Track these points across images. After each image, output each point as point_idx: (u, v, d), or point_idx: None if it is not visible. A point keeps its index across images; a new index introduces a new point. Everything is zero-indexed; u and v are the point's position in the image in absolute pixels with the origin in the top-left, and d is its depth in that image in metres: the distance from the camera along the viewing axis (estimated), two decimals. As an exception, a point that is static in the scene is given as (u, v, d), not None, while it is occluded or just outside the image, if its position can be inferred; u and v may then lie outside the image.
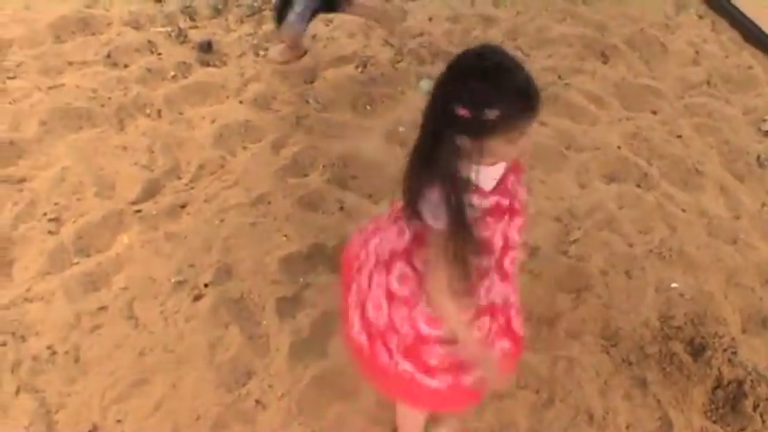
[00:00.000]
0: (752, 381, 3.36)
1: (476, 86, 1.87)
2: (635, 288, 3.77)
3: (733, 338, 3.56)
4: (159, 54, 5.09)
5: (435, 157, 1.98)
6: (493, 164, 2.05)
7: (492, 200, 2.11)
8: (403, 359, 2.37)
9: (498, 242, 2.22)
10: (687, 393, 3.32)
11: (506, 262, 2.29)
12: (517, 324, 2.48)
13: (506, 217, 2.19)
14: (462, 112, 1.86)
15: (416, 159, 2.08)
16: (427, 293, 2.24)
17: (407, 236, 2.28)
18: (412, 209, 2.10)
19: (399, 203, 2.29)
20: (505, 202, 2.15)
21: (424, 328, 2.32)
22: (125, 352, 3.30)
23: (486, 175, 2.06)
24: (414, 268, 2.30)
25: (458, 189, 1.98)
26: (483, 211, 2.09)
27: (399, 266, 2.32)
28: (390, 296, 2.35)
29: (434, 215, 2.01)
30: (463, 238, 2.02)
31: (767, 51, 5.75)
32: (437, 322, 2.30)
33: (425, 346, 2.34)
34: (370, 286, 2.43)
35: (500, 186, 2.13)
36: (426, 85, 4.87)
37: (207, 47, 5.12)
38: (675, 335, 3.55)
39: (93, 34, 5.21)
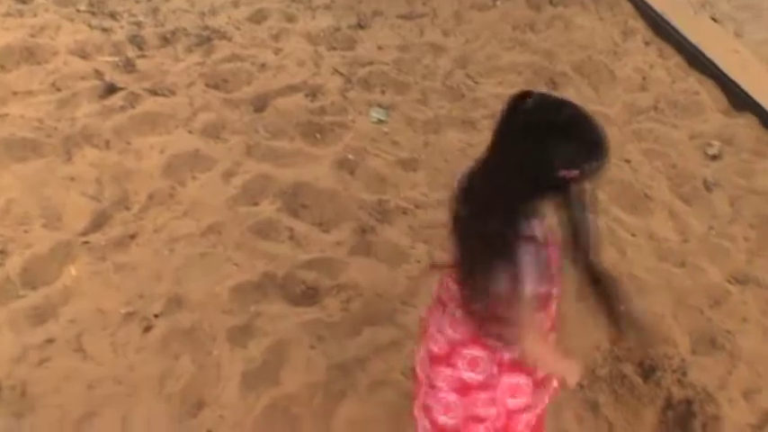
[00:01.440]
0: (701, 400, 3.39)
1: (584, 140, 1.93)
2: (586, 311, 3.77)
3: (683, 359, 3.59)
4: (107, 83, 5.03)
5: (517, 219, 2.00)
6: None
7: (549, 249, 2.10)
8: None
9: None
10: (638, 414, 3.34)
11: None
12: None
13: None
14: (569, 174, 1.89)
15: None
16: (524, 353, 2.24)
17: (465, 320, 2.28)
18: (477, 288, 2.13)
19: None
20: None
21: (512, 402, 2.34)
22: (73, 385, 3.24)
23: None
24: (484, 347, 2.29)
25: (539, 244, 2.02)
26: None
27: (466, 353, 2.31)
28: (463, 388, 2.35)
29: (520, 277, 2.01)
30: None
31: (713, 77, 5.84)
32: (522, 390, 2.33)
33: (517, 419, 2.37)
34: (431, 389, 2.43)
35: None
36: (376, 114, 4.92)
37: (110, 88, 5.01)
38: (626, 357, 3.57)
39: (39, 63, 5.16)
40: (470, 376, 2.32)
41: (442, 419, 2.41)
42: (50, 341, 3.41)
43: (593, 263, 2.07)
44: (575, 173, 1.88)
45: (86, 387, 3.24)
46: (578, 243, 2.02)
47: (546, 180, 1.91)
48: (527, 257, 1.98)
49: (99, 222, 4.01)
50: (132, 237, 3.95)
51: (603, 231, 4.24)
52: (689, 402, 3.38)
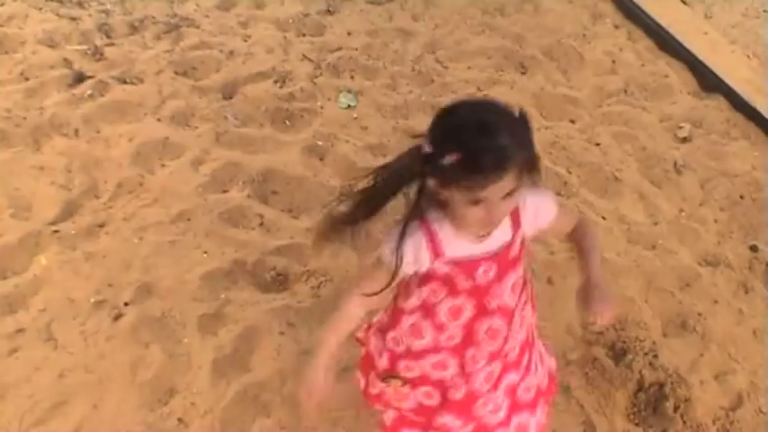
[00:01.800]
0: (672, 383, 3.42)
1: (447, 131, 1.83)
2: (556, 295, 3.80)
3: (654, 342, 3.62)
4: (75, 72, 5.01)
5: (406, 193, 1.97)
6: (460, 227, 2.00)
7: (445, 268, 2.07)
8: None
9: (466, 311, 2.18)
10: (610, 397, 3.36)
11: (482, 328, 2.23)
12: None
13: (464, 297, 2.14)
14: (427, 148, 1.82)
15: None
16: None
17: None
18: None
19: None
20: (465, 283, 2.11)
21: None
22: (44, 374, 3.24)
23: (448, 235, 2.02)
24: None
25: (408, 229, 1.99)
26: (430, 270, 2.07)
27: None
28: None
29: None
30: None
31: (682, 59, 5.87)
32: None
33: None
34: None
35: (467, 265, 2.09)
36: (346, 99, 4.92)
37: (79, 77, 4.98)
38: (597, 340, 3.60)
39: (7, 53, 5.13)
40: None
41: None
42: (20, 331, 3.40)
43: None
44: (433, 151, 1.81)
45: (57, 376, 3.23)
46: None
47: (417, 151, 1.87)
48: (398, 228, 1.99)
49: (68, 211, 4.00)
50: (102, 225, 3.94)
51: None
52: (660, 385, 3.41)
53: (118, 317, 3.49)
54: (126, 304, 3.54)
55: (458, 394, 2.33)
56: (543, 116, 5.14)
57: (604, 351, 3.56)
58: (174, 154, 4.45)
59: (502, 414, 2.41)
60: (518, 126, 1.83)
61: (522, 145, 1.82)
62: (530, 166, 1.88)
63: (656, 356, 3.54)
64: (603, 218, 4.35)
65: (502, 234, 2.07)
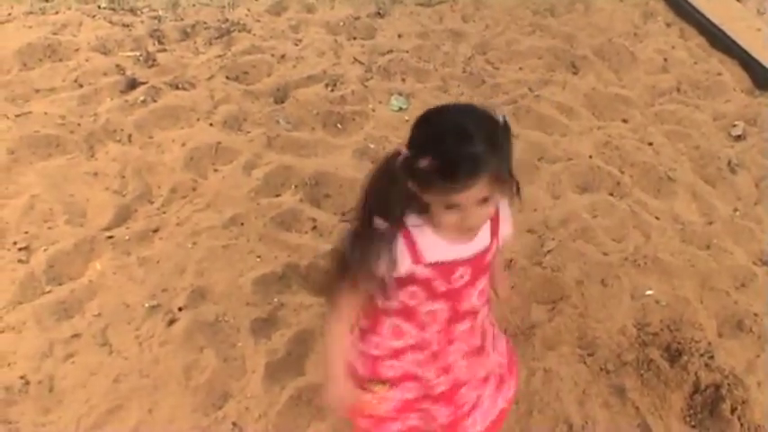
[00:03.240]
0: (729, 384, 3.34)
1: (425, 135, 1.85)
2: (610, 296, 3.76)
3: (709, 343, 3.56)
4: (128, 78, 5.05)
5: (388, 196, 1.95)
6: (440, 230, 2.00)
7: (424, 272, 2.06)
8: None
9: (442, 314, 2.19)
10: (665, 399, 3.31)
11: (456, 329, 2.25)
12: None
13: (442, 301, 2.14)
14: (405, 152, 1.83)
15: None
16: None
17: None
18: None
19: None
20: (441, 286, 2.10)
21: None
22: (100, 379, 3.26)
23: (428, 240, 2.02)
24: None
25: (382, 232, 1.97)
26: (409, 274, 2.06)
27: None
28: None
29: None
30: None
31: (735, 56, 5.79)
32: None
33: None
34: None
35: (445, 269, 2.09)
36: (397, 102, 4.91)
37: (131, 83, 5.03)
38: (652, 341, 3.55)
39: (61, 60, 5.20)
40: None
41: None
42: (76, 336, 3.43)
43: None
44: (409, 154, 1.82)
45: (112, 381, 3.25)
46: None
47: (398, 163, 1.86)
48: (379, 235, 1.97)
49: (122, 217, 4.03)
50: (155, 230, 3.97)
51: (626, 214, 4.22)
52: (717, 386, 3.34)
53: (172, 321, 3.50)
54: (180, 309, 3.56)
55: (441, 388, 2.35)
56: (595, 116, 5.09)
57: (659, 352, 3.50)
58: (227, 158, 4.47)
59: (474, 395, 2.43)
60: (496, 133, 1.84)
61: (498, 152, 1.82)
62: (505, 175, 1.88)
63: (711, 357, 3.47)
64: (657, 218, 4.30)
65: (480, 240, 2.07)
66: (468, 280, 2.11)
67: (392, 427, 2.44)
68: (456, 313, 2.18)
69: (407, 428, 2.44)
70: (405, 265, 2.02)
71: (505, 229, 2.16)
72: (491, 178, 1.81)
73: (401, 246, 2.00)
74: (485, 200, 1.86)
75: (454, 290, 2.11)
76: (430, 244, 2.01)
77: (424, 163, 1.78)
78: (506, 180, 1.88)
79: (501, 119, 1.86)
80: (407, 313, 2.17)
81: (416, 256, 2.02)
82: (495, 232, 2.09)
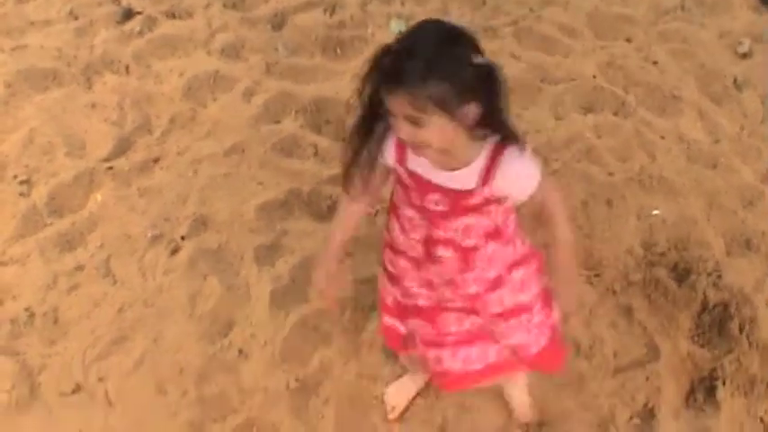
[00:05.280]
0: (737, 303, 3.33)
1: (394, 43, 1.86)
2: (616, 217, 3.74)
3: (717, 262, 3.53)
4: (124, 8, 4.99)
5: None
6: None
7: (404, 175, 2.14)
8: None
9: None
10: (673, 319, 3.30)
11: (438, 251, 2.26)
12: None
13: (418, 213, 2.20)
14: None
15: None
16: None
17: None
18: None
19: None
20: (416, 199, 2.16)
21: None
22: (104, 310, 3.27)
23: (385, 143, 2.12)
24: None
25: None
26: (394, 171, 2.18)
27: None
28: None
29: None
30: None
31: (741, -27, 5.69)
32: None
33: None
34: None
35: (421, 185, 2.12)
36: (396, 25, 4.83)
37: (127, 14, 4.97)
38: (659, 261, 3.53)
39: (55, -8, 5.12)
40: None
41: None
42: (79, 268, 3.44)
43: None
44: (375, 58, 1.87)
45: (117, 311, 3.27)
46: None
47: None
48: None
49: (122, 148, 4.01)
50: (156, 160, 3.95)
51: (631, 134, 4.18)
52: (725, 305, 3.33)
53: (175, 251, 3.50)
54: (183, 238, 3.55)
55: (422, 301, 2.44)
56: (598, 36, 5.00)
57: (666, 272, 3.48)
58: (226, 86, 4.42)
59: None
60: (447, 63, 1.81)
61: (438, 79, 1.79)
62: (452, 106, 1.84)
63: (719, 276, 3.46)
64: (662, 137, 4.24)
65: (462, 178, 2.05)
66: (444, 211, 2.13)
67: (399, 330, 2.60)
68: (431, 235, 2.22)
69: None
70: (389, 158, 2.12)
71: (515, 187, 2.13)
72: (417, 99, 1.80)
73: (390, 141, 2.09)
74: (413, 120, 1.85)
75: (428, 211, 2.15)
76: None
77: (379, 65, 1.84)
78: (453, 111, 1.84)
79: (478, 59, 1.84)
80: (395, 209, 2.29)
81: (401, 157, 2.11)
82: (485, 181, 2.04)
